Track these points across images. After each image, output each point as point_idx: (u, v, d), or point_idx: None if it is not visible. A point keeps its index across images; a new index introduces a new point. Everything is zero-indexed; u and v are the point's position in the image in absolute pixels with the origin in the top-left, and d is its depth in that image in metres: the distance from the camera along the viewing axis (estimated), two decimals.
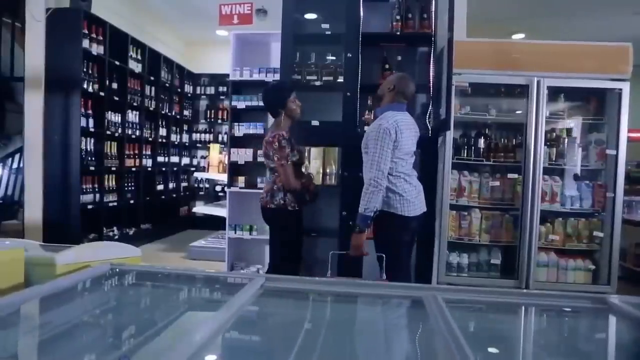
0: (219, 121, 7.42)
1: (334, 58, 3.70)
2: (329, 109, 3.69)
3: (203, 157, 7.61)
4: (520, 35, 6.80)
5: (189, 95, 7.35)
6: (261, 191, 3.93)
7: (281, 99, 2.76)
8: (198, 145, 7.54)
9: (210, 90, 7.44)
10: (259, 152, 3.94)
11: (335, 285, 1.66)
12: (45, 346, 1.13)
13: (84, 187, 4.65)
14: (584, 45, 3.20)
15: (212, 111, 7.45)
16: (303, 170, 3.02)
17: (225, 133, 7.45)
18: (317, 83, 3.63)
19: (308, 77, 3.65)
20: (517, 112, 3.43)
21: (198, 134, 7.52)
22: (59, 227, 4.49)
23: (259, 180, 3.95)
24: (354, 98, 3.41)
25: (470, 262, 3.43)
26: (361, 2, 3.44)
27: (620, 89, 3.14)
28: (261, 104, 3.92)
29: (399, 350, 1.21)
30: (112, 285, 1.65)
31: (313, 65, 3.69)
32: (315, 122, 3.57)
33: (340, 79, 3.58)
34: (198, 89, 7.47)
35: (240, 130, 3.94)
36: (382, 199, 2.46)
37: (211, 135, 7.47)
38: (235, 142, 4.03)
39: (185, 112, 7.27)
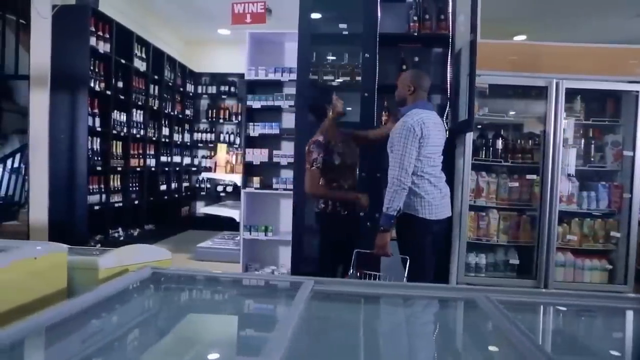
0: (221, 120, 7.36)
1: (341, 58, 3.69)
2: (347, 110, 3.68)
3: (204, 157, 7.54)
4: (522, 37, 6.86)
5: (191, 94, 7.28)
6: (277, 192, 3.94)
7: (323, 103, 2.79)
8: (199, 145, 7.47)
9: (212, 89, 7.37)
10: (275, 152, 3.92)
11: (383, 288, 1.65)
12: (125, 353, 1.10)
13: (90, 187, 4.57)
14: (602, 48, 3.24)
15: (213, 111, 7.38)
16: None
17: (227, 133, 7.41)
18: (334, 83, 3.62)
19: (325, 77, 3.64)
20: (535, 113, 3.45)
21: (199, 134, 7.45)
22: (65, 228, 4.40)
23: (274, 180, 3.92)
24: (371, 98, 3.41)
25: (487, 263, 3.44)
26: (379, 2, 3.45)
27: (637, 91, 3.19)
28: (276, 103, 3.93)
29: (475, 350, 1.21)
30: (162, 291, 1.61)
31: (329, 66, 3.68)
32: None
33: (357, 79, 3.58)
34: (199, 88, 7.40)
35: (256, 130, 3.90)
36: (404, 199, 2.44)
37: (212, 135, 7.40)
38: (250, 142, 4.00)
39: (187, 112, 7.20)
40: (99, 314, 1.34)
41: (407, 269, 2.39)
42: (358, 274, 2.55)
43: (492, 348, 1.23)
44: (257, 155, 3.89)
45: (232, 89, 7.32)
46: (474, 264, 3.42)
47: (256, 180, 3.92)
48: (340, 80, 3.62)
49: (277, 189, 3.88)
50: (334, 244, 2.72)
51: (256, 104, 3.87)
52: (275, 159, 3.88)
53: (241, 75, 7.23)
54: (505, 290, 1.61)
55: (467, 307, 1.49)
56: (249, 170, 3.98)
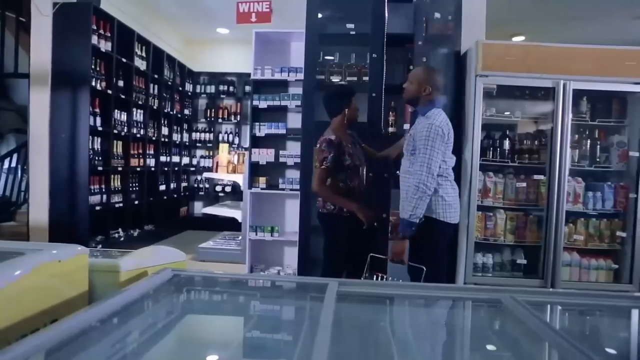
0: (219, 120, 7.31)
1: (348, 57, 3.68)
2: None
3: (203, 157, 7.49)
4: (521, 38, 6.91)
5: (189, 93, 7.22)
6: (283, 192, 3.92)
7: (341, 104, 2.75)
8: (198, 144, 7.42)
9: (210, 89, 7.33)
10: (281, 152, 3.91)
11: (407, 289, 1.65)
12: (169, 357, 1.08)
13: (91, 187, 4.52)
14: (608, 50, 3.26)
15: (212, 110, 7.33)
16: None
17: (226, 132, 7.37)
18: (342, 83, 3.61)
19: (332, 77, 3.63)
20: (541, 114, 3.47)
21: (197, 133, 7.40)
22: (65, 229, 4.35)
23: (280, 181, 3.90)
24: (379, 99, 3.41)
25: (494, 262, 3.45)
26: (386, 2, 3.45)
27: None
28: (283, 103, 3.91)
29: (512, 351, 1.20)
30: (187, 293, 1.60)
31: (335, 65, 3.67)
32: None
33: (365, 79, 3.57)
34: (198, 87, 7.35)
35: (262, 130, 3.88)
36: None
37: (211, 135, 7.36)
38: (257, 142, 3.97)
39: (186, 111, 7.15)
40: (128, 318, 1.32)
41: (422, 279, 2.26)
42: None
43: (529, 348, 1.23)
44: (264, 155, 3.87)
45: (231, 89, 7.29)
46: (481, 264, 3.43)
47: (262, 180, 3.90)
48: (347, 80, 3.62)
49: (283, 189, 3.86)
50: (340, 246, 2.71)
51: (262, 104, 3.85)
52: (281, 159, 3.86)
53: (240, 75, 7.23)
54: (528, 290, 1.62)
55: (494, 308, 1.49)
56: (255, 170, 3.95)
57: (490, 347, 1.23)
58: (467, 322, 1.44)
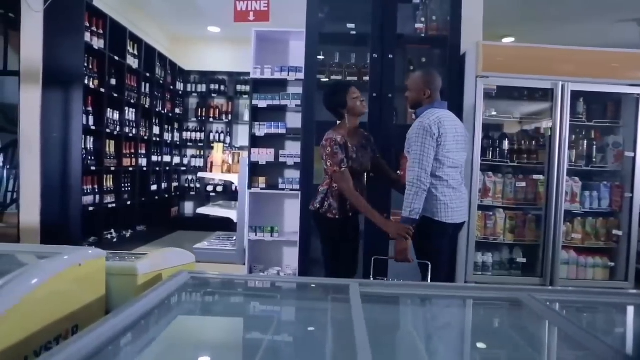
0: (210, 119, 7.24)
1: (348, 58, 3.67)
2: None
3: (194, 157, 7.41)
4: (510, 39, 7.01)
5: (180, 92, 7.13)
6: (283, 192, 3.90)
7: (340, 98, 2.61)
8: (189, 144, 7.34)
9: (201, 87, 7.25)
10: (281, 152, 3.88)
11: (426, 289, 1.66)
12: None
13: (84, 187, 4.42)
14: (605, 52, 3.34)
15: (203, 109, 7.26)
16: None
17: (217, 132, 7.30)
18: (338, 79, 3.60)
19: (332, 77, 3.62)
20: (540, 115, 3.53)
21: (188, 133, 7.31)
22: (58, 230, 4.26)
23: (280, 180, 3.88)
24: (380, 99, 3.41)
25: (494, 261, 3.50)
26: (387, 3, 3.46)
27: (638, 94, 3.29)
28: (282, 102, 3.88)
29: (544, 349, 1.22)
30: (208, 296, 1.58)
31: (335, 65, 3.66)
32: None
33: (365, 79, 3.58)
34: (188, 86, 7.26)
35: (262, 129, 3.85)
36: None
37: (202, 134, 7.28)
38: (256, 142, 3.94)
39: (177, 110, 7.06)
40: (156, 323, 1.29)
41: (429, 274, 2.32)
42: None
43: (560, 345, 1.24)
44: (263, 155, 3.84)
45: (222, 88, 7.22)
46: (481, 263, 3.47)
47: (262, 180, 3.87)
48: (348, 79, 3.61)
49: (283, 189, 3.84)
50: (338, 246, 2.62)
51: (262, 104, 3.82)
52: (281, 159, 3.84)
53: (231, 74, 7.17)
54: (550, 290, 1.64)
55: (515, 307, 1.50)
56: (254, 170, 3.92)
57: (524, 344, 1.25)
58: (494, 321, 1.45)
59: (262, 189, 3.87)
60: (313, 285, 1.75)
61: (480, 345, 1.20)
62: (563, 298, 1.59)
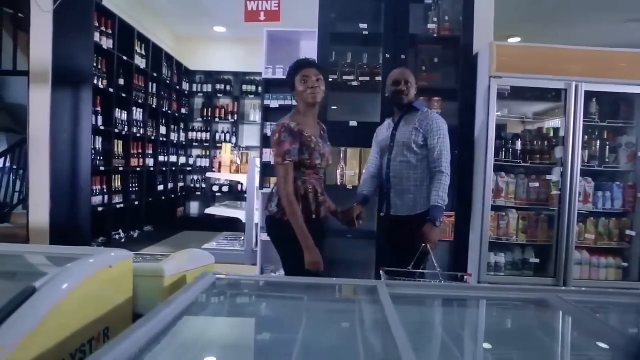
0: (216, 120, 7.23)
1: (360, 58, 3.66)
2: (367, 110, 3.68)
3: (199, 157, 7.40)
4: (517, 39, 7.00)
5: (186, 92, 7.13)
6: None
7: (289, 78, 2.18)
8: (194, 144, 7.33)
9: (207, 87, 7.24)
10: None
11: (450, 290, 1.65)
12: None
13: (93, 188, 4.41)
14: (619, 52, 3.33)
15: (208, 109, 7.25)
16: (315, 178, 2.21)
17: (222, 132, 7.29)
18: (355, 83, 3.60)
19: (345, 77, 3.62)
20: (552, 115, 3.52)
21: (194, 133, 7.31)
22: (67, 231, 4.25)
23: None
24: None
25: (506, 261, 3.49)
26: (399, 4, 3.46)
27: None
28: (294, 103, 3.86)
29: (580, 349, 1.21)
30: (238, 298, 1.57)
31: (347, 66, 3.65)
32: (353, 123, 3.55)
33: (377, 79, 3.57)
34: (194, 86, 7.25)
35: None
36: (427, 195, 2.43)
37: (207, 134, 7.28)
38: (267, 142, 3.93)
39: (182, 110, 7.05)
40: (191, 327, 1.28)
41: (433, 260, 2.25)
42: None
43: (596, 344, 1.24)
44: None
45: (228, 88, 7.21)
46: (493, 263, 3.46)
47: (274, 180, 3.85)
48: (360, 80, 3.61)
49: None
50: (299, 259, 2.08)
51: (274, 104, 3.81)
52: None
53: (237, 74, 7.17)
54: (578, 290, 1.64)
55: (544, 308, 1.50)
56: (266, 170, 3.91)
57: (557, 346, 1.24)
58: (525, 322, 1.45)
59: None
60: (335, 285, 1.73)
61: (517, 346, 1.20)
62: (590, 299, 1.58)
